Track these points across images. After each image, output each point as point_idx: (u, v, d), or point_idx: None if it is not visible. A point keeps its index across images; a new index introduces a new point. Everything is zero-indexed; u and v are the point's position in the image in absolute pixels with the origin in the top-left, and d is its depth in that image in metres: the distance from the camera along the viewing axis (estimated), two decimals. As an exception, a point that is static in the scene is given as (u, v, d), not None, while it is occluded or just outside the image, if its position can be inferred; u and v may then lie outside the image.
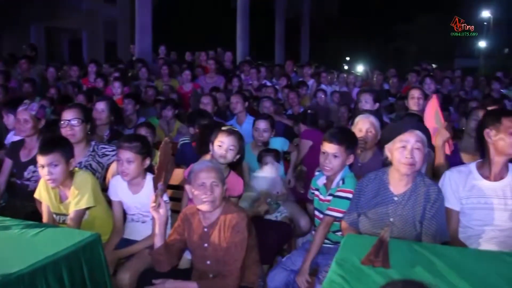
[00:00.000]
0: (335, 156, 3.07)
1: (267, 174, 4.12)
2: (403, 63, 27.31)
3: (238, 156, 3.52)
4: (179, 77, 8.70)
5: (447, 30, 33.61)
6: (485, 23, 34.49)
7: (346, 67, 31.38)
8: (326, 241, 3.18)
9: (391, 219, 2.72)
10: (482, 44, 34.94)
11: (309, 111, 5.64)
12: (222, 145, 3.44)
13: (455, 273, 1.96)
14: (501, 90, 8.58)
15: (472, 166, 2.92)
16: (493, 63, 28.89)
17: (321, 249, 3.11)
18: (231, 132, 3.49)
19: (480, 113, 3.57)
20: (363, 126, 3.66)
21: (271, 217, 4.08)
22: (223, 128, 3.53)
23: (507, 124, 2.78)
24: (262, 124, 4.52)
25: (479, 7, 33.80)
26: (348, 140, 3.13)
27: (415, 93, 5.03)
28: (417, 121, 3.52)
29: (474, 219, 2.85)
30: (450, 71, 11.09)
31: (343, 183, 3.11)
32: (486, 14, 34.01)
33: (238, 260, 2.76)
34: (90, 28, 18.81)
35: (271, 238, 3.69)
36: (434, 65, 18.29)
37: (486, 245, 2.79)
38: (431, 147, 3.87)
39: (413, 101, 4.99)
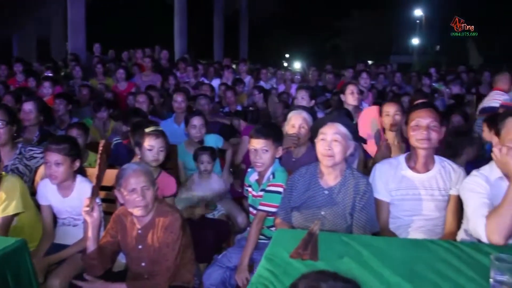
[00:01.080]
0: (265, 151, 3.13)
1: (215, 185, 4.16)
2: (341, 59, 27.93)
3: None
4: (114, 76, 8.50)
5: (383, 27, 34.67)
6: (417, 21, 35.82)
7: (285, 64, 31.74)
8: (262, 236, 3.20)
9: (323, 213, 2.77)
10: (415, 41, 36.27)
11: (250, 108, 5.66)
12: (153, 148, 3.43)
13: (381, 262, 2.02)
14: (433, 84, 8.96)
15: (401, 159, 3.03)
16: (426, 59, 30.03)
17: (257, 244, 3.12)
18: (158, 134, 3.47)
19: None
20: (295, 122, 3.70)
21: (208, 215, 4.07)
22: (148, 130, 3.49)
23: (410, 118, 2.95)
24: (198, 121, 4.48)
25: (412, 6, 35.07)
26: (273, 133, 3.20)
27: (353, 88, 5.14)
28: (343, 115, 3.64)
29: (403, 210, 2.94)
30: (384, 67, 11.44)
31: (274, 177, 3.15)
32: (418, 12, 35.31)
33: (169, 260, 2.73)
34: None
35: (208, 236, 3.68)
36: (370, 61, 18.80)
37: (415, 234, 2.90)
38: (362, 141, 4.00)
39: (350, 96, 5.10)
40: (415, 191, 2.91)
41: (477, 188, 2.53)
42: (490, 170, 2.57)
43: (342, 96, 5.22)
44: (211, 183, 4.21)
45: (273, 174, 3.16)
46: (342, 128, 2.77)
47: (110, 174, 3.65)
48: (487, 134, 3.90)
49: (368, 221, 2.73)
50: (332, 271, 1.25)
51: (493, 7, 27.94)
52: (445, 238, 2.83)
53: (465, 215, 2.63)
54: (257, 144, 3.14)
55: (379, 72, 9.87)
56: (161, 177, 3.47)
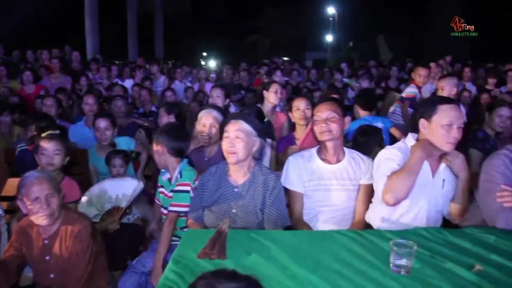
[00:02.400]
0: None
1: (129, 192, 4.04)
2: (257, 57, 28.20)
3: (67, 159, 3.44)
4: (20, 78, 8.07)
5: (298, 25, 35.35)
6: (330, 18, 36.90)
7: (203, 63, 31.59)
8: (175, 238, 3.16)
9: (234, 210, 2.78)
10: (329, 38, 37.35)
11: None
12: (46, 152, 3.32)
13: (288, 255, 2.05)
14: (344, 80, 9.27)
15: (313, 151, 3.12)
16: (340, 55, 31.02)
17: (171, 246, 3.07)
18: (52, 137, 3.36)
19: None
20: (206, 121, 3.70)
21: (123, 220, 3.96)
22: (43, 134, 3.37)
23: (313, 113, 3.13)
24: (103, 123, 4.33)
25: (325, 4, 36.06)
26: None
27: (278, 87, 5.18)
28: (252, 113, 3.70)
29: (316, 201, 3.03)
30: (298, 64, 11.70)
31: (181, 176, 3.13)
32: (331, 10, 36.37)
33: (80, 269, 2.64)
34: None
35: (122, 242, 3.58)
36: (286, 58, 19.11)
37: (327, 225, 2.99)
38: (271, 138, 4.07)
39: (274, 95, 5.14)
40: (327, 182, 3.01)
41: (391, 156, 2.76)
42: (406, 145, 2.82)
43: (265, 92, 5.23)
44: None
45: (180, 173, 3.15)
46: (245, 125, 2.79)
47: (14, 183, 3.48)
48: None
49: (279, 216, 2.77)
50: (231, 269, 1.25)
51: (398, 8, 29.55)
52: (354, 227, 2.96)
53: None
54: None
55: (293, 69, 10.06)
56: (64, 183, 3.35)
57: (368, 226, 2.95)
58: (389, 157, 2.78)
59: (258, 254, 2.07)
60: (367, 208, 3.03)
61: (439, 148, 2.69)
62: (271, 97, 5.09)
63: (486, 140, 4.29)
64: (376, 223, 2.92)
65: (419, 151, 2.64)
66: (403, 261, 1.88)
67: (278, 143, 4.30)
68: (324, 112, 3.01)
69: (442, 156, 2.76)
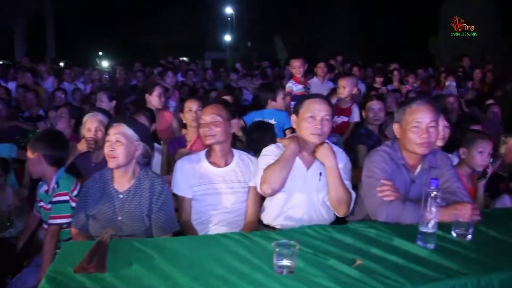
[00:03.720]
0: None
1: (9, 199, 3.73)
2: (156, 57, 27.68)
3: None
4: None
5: (196, 24, 35.17)
6: (229, 18, 37.16)
7: (100, 63, 30.53)
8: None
9: (120, 218, 2.67)
10: (228, 38, 37.59)
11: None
12: None
13: (171, 263, 1.98)
14: (238, 83, 9.33)
15: (202, 154, 3.07)
16: (239, 55, 31.31)
17: (55, 261, 2.88)
18: None
19: None
20: (91, 125, 3.53)
21: (4, 233, 3.66)
22: None
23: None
24: None
25: (223, 4, 36.23)
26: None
27: (160, 91, 5.05)
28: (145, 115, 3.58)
29: (206, 205, 2.99)
30: (195, 64, 11.62)
31: (58, 186, 2.95)
32: (229, 10, 36.63)
33: None
34: None
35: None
36: (185, 58, 18.93)
37: (218, 228, 2.96)
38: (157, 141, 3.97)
39: (156, 99, 5.01)
40: (216, 185, 2.98)
41: (267, 152, 2.92)
42: None
43: (147, 96, 5.08)
44: (4, 197, 3.80)
45: (57, 183, 2.96)
46: (126, 129, 2.69)
47: None
48: None
49: (167, 221, 2.70)
50: None
51: (294, 9, 30.50)
52: (246, 228, 2.95)
53: None
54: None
55: (189, 69, 9.97)
56: None
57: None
58: (266, 153, 2.92)
59: (140, 265, 1.97)
60: (258, 209, 3.04)
61: (307, 140, 2.82)
62: (154, 101, 4.97)
63: (369, 136, 4.48)
64: (269, 221, 2.95)
65: (292, 144, 2.77)
66: (286, 262, 1.89)
67: (169, 144, 4.21)
68: (208, 115, 2.98)
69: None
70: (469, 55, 11.51)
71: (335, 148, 3.08)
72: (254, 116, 4.52)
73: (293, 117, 2.94)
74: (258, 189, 2.82)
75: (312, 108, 2.80)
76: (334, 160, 2.78)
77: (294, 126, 2.96)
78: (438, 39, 19.43)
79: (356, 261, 2.02)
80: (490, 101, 6.13)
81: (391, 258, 2.08)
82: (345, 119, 5.45)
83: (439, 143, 3.43)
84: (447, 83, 7.80)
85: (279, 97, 4.62)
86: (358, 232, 2.38)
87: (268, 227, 2.95)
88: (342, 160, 2.93)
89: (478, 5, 18.19)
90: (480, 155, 3.42)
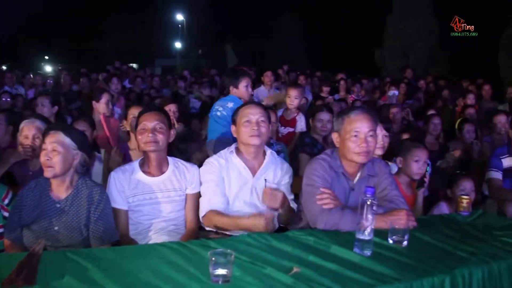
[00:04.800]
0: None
1: None
2: (105, 63, 27.16)
3: None
4: None
5: (146, 30, 34.74)
6: (179, 25, 36.89)
7: (46, 67, 29.69)
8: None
9: (56, 228, 2.59)
10: (178, 45, 37.31)
11: None
12: None
13: (105, 274, 1.93)
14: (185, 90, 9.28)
15: (135, 164, 3.02)
16: (188, 62, 31.11)
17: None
18: None
19: None
20: (29, 132, 3.41)
21: None
22: None
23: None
24: None
25: (174, 11, 35.94)
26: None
27: (107, 97, 4.94)
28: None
29: (143, 215, 2.94)
30: (143, 71, 11.48)
31: None
32: (180, 17, 36.36)
33: None
34: None
35: None
36: (135, 65, 18.65)
37: (157, 237, 2.92)
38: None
39: (102, 106, 4.91)
40: (152, 195, 2.94)
41: (210, 169, 3.01)
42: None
43: (94, 103, 4.96)
44: None
45: None
46: (63, 137, 2.61)
47: None
48: None
49: (106, 231, 2.64)
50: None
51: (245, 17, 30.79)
52: (185, 237, 2.92)
53: None
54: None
55: (137, 76, 9.83)
56: None
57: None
58: (207, 169, 3.03)
59: (72, 276, 1.91)
60: (197, 216, 3.02)
61: (248, 143, 2.96)
62: (102, 108, 4.87)
63: (313, 145, 4.54)
64: (213, 228, 2.94)
65: (257, 222, 2.70)
66: (222, 270, 1.88)
67: (111, 153, 4.10)
68: (152, 122, 2.94)
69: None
70: (412, 67, 11.90)
71: (279, 159, 3.18)
72: (217, 103, 4.42)
73: (232, 127, 3.08)
74: (200, 216, 2.95)
75: (247, 113, 2.96)
76: (281, 203, 2.84)
77: (235, 135, 3.05)
78: (383, 50, 20.06)
79: (293, 269, 2.03)
80: (431, 112, 6.33)
81: (327, 265, 2.10)
82: (291, 129, 5.51)
83: (379, 151, 3.52)
84: (389, 92, 8.03)
85: (242, 84, 4.34)
86: (297, 240, 2.40)
87: (211, 232, 2.96)
88: (287, 173, 3.14)
89: (421, 19, 18.93)
90: (416, 164, 3.52)
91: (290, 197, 3.12)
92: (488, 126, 5.73)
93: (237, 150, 3.07)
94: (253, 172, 3.01)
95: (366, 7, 25.45)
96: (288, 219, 2.99)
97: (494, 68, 14.13)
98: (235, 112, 3.07)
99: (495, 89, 8.42)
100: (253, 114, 2.96)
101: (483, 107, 7.59)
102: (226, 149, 3.12)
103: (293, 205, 3.02)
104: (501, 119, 5.45)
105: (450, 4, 18.20)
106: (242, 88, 4.30)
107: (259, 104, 3.16)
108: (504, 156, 4.30)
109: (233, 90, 4.32)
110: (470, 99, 7.45)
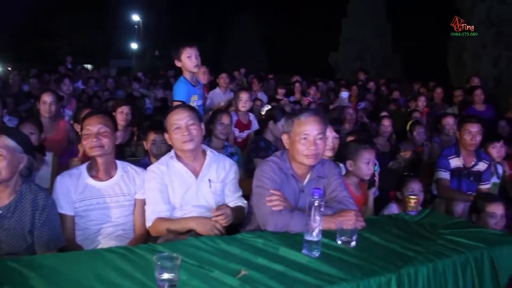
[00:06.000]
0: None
1: None
2: (57, 63, 26.47)
3: None
4: None
5: (101, 30, 34.06)
6: (135, 26, 36.36)
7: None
8: None
9: (-2, 235, 2.49)
10: (134, 46, 36.78)
11: None
12: None
13: (47, 282, 1.87)
14: (140, 90, 9.16)
15: (83, 168, 2.96)
16: (144, 63, 30.74)
17: None
18: None
19: None
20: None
21: None
22: None
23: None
24: None
25: (130, 11, 35.39)
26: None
27: (48, 97, 4.81)
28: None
29: (90, 220, 2.89)
30: (97, 72, 11.27)
31: None
32: (136, 18, 35.85)
33: None
34: None
35: None
36: (89, 66, 18.27)
37: (106, 241, 2.87)
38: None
39: (42, 107, 4.78)
40: (100, 200, 2.89)
41: (152, 175, 2.98)
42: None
43: (38, 104, 4.85)
44: None
45: None
46: (8, 141, 2.50)
47: None
48: None
49: (52, 237, 2.57)
50: None
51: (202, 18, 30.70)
52: (133, 241, 2.88)
53: None
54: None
55: (90, 77, 9.64)
56: None
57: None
58: (149, 177, 3.00)
59: (12, 285, 1.85)
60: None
61: (182, 149, 2.96)
62: (42, 109, 4.75)
63: (268, 148, 4.56)
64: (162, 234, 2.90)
65: (194, 224, 2.79)
66: (167, 275, 1.86)
67: (60, 156, 4.01)
68: (95, 125, 2.88)
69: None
70: (365, 70, 12.13)
71: (221, 156, 3.24)
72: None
73: (166, 135, 3.07)
74: (147, 226, 2.94)
75: (174, 120, 2.95)
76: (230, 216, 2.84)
77: (169, 143, 3.07)
78: (338, 54, 20.37)
79: (241, 271, 2.04)
80: (383, 113, 6.47)
81: (275, 267, 2.11)
82: (249, 131, 5.60)
83: (329, 153, 3.58)
84: (341, 94, 8.16)
85: (183, 56, 4.23)
86: (246, 243, 2.40)
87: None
88: (231, 169, 3.15)
89: (375, 23, 19.34)
90: (366, 165, 3.58)
91: (238, 193, 3.14)
92: (437, 127, 5.93)
93: (177, 155, 3.05)
94: (196, 174, 3.00)
95: (323, 9, 25.82)
96: (238, 218, 2.99)
97: (444, 71, 14.54)
98: (165, 119, 3.04)
99: (447, 92, 8.67)
100: (181, 119, 2.93)
101: (435, 110, 7.82)
102: (166, 155, 3.11)
103: (242, 202, 3.03)
104: (449, 121, 5.70)
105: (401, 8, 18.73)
106: (184, 59, 4.24)
107: (185, 107, 3.14)
108: (451, 157, 4.45)
109: (178, 63, 4.29)
110: (422, 101, 7.66)
